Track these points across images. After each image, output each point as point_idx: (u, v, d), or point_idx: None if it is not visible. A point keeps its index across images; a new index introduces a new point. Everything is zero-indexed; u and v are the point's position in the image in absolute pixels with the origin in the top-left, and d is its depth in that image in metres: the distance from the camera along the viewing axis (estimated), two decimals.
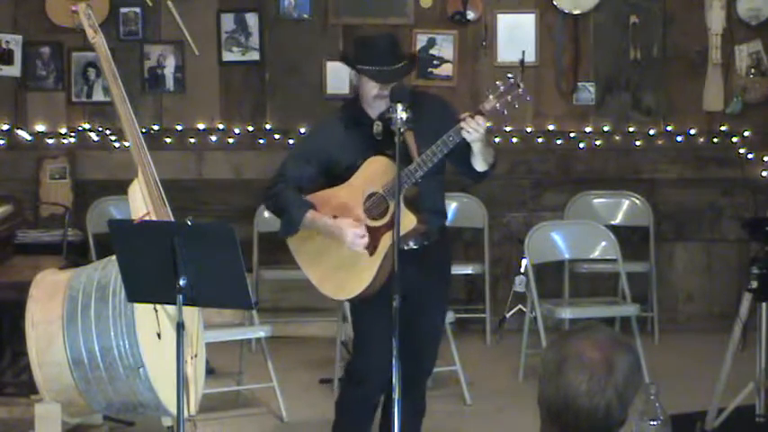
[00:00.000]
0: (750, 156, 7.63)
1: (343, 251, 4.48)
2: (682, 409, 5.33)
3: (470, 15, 7.54)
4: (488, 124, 4.48)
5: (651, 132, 7.65)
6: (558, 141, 7.64)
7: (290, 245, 4.61)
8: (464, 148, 4.45)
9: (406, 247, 4.44)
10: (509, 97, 4.44)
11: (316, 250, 4.54)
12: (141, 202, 4.74)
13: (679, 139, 7.65)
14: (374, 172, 4.48)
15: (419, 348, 4.52)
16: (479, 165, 4.54)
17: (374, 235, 4.47)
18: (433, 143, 4.38)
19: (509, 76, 4.48)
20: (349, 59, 4.57)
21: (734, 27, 7.55)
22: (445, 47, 7.57)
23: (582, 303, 7.06)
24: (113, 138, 7.49)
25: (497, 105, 4.44)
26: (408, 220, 4.40)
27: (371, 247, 4.47)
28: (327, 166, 4.55)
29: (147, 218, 4.63)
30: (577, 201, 7.55)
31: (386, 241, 4.46)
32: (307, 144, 4.74)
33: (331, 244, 4.49)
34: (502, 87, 4.44)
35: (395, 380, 4.04)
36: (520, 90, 4.45)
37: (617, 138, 7.66)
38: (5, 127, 7.53)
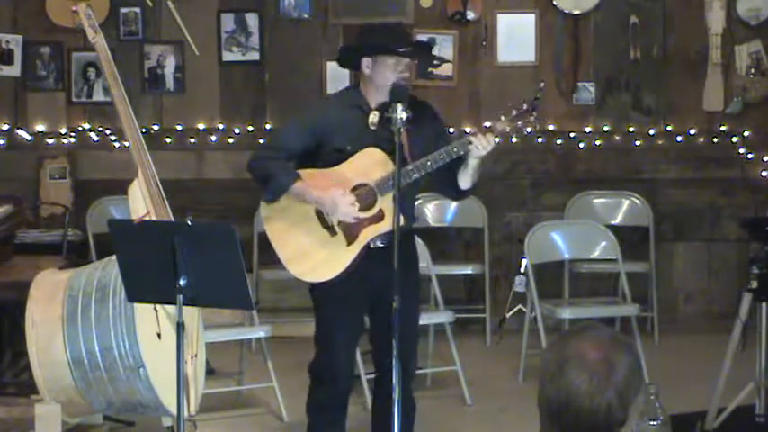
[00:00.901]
0: (750, 156, 7.63)
1: (319, 234, 4.47)
2: (682, 409, 5.33)
3: (470, 15, 7.54)
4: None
5: (651, 132, 7.65)
6: (558, 141, 7.64)
7: (264, 215, 4.57)
8: (452, 164, 4.49)
9: (372, 246, 4.48)
10: (519, 123, 4.49)
11: (289, 226, 4.50)
12: (141, 202, 4.74)
13: (679, 139, 7.65)
14: (367, 163, 4.48)
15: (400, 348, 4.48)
16: (466, 182, 4.55)
17: (356, 226, 4.47)
18: (423, 146, 4.38)
19: (524, 102, 4.51)
20: (371, 46, 4.52)
21: (734, 27, 7.55)
22: (445, 47, 7.57)
23: (582, 303, 7.06)
24: (113, 138, 7.49)
25: (507, 129, 4.49)
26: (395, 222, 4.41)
27: (351, 236, 4.47)
28: (320, 141, 4.51)
29: (147, 218, 4.63)
30: (577, 201, 7.55)
31: (366, 234, 4.47)
32: (303, 117, 4.66)
33: (308, 224, 4.48)
34: (515, 112, 4.48)
35: (395, 380, 4.04)
36: (532, 118, 4.49)
37: (617, 138, 7.66)
38: (5, 127, 7.53)
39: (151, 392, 4.68)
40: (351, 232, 4.46)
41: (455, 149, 4.42)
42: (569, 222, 7.20)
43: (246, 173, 4.71)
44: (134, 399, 4.75)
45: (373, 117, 4.49)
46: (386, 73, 4.48)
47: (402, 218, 4.43)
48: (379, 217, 4.47)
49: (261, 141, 7.49)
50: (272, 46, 7.59)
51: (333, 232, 4.48)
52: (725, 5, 7.50)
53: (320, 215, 4.50)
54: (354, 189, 4.48)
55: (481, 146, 4.38)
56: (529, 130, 4.54)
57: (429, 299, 6.52)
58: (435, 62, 7.54)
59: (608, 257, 6.72)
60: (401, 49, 4.47)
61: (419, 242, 6.25)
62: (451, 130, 4.68)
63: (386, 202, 4.47)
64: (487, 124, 4.64)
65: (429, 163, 4.42)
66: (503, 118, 4.48)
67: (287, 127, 4.71)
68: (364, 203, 4.48)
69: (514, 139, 7.59)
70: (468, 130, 4.52)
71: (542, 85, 4.98)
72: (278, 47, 7.58)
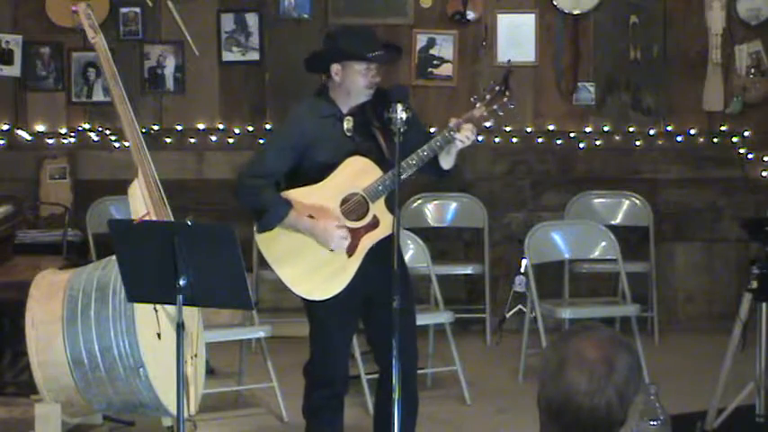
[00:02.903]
0: (750, 156, 7.63)
1: (319, 252, 4.47)
2: (682, 409, 5.33)
3: (470, 15, 7.54)
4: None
5: (651, 132, 7.65)
6: (558, 141, 7.64)
7: (260, 243, 4.54)
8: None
9: None
10: (495, 106, 4.53)
11: (288, 249, 4.49)
12: (141, 203, 4.75)
13: (679, 139, 7.65)
14: (353, 173, 4.48)
15: (400, 345, 4.46)
16: (448, 164, 4.57)
17: (353, 236, 4.47)
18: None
19: (495, 83, 4.55)
20: (341, 54, 4.48)
21: (734, 27, 7.55)
22: (445, 47, 7.57)
23: (582, 303, 7.06)
24: (113, 138, 7.49)
25: (485, 113, 4.53)
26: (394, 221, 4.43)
27: (351, 248, 4.47)
28: (302, 157, 4.48)
29: (147, 218, 4.63)
30: (577, 201, 7.55)
31: (364, 243, 4.48)
32: (284, 135, 4.60)
33: (306, 244, 4.47)
34: (488, 96, 4.53)
35: (395, 380, 4.04)
36: (506, 99, 4.52)
37: (617, 138, 7.66)
38: (5, 127, 7.53)
39: (151, 392, 4.68)
40: (350, 244, 4.47)
41: (438, 143, 4.45)
42: (569, 222, 7.19)
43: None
44: (134, 399, 4.75)
45: (348, 123, 4.50)
46: (356, 78, 4.47)
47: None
48: (375, 224, 4.49)
49: (261, 141, 7.49)
50: (272, 46, 7.59)
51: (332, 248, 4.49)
52: (725, 5, 7.50)
53: None
54: (344, 201, 4.48)
55: (466, 138, 4.43)
56: (503, 112, 4.58)
57: (429, 299, 6.53)
58: (435, 62, 7.54)
59: (608, 257, 6.71)
60: (370, 55, 4.44)
61: (419, 242, 6.28)
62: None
63: (378, 208, 4.49)
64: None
65: (415, 161, 4.43)
66: (478, 105, 4.52)
67: (269, 149, 4.63)
68: (357, 213, 4.48)
69: (514, 140, 7.61)
70: (451, 123, 4.50)
71: (508, 60, 5.03)
72: (278, 47, 7.58)
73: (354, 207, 4.48)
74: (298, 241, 4.48)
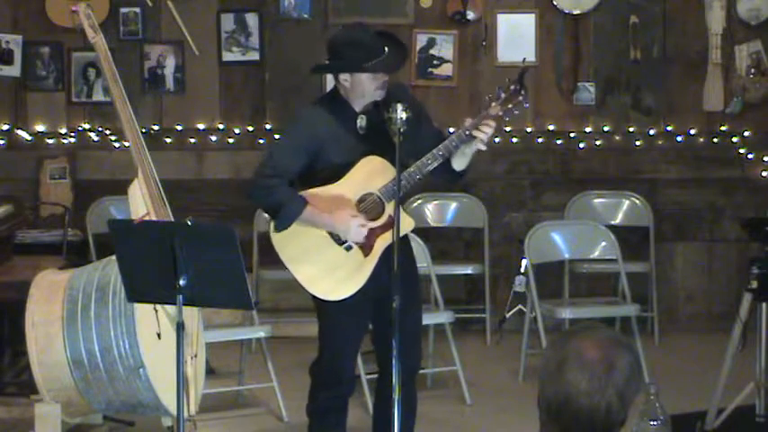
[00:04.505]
0: (750, 156, 7.63)
1: (335, 252, 4.46)
2: (682, 409, 5.33)
3: (470, 15, 7.54)
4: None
5: (651, 132, 7.65)
6: (558, 141, 7.64)
7: (275, 243, 4.51)
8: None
9: None
10: (510, 105, 4.47)
11: (304, 249, 4.47)
12: (141, 202, 4.75)
13: (679, 139, 7.65)
14: (368, 173, 4.46)
15: (403, 347, 4.45)
16: (461, 164, 4.52)
17: (369, 236, 4.46)
18: (411, 139, 4.34)
19: (510, 83, 4.48)
20: (348, 65, 4.47)
21: (734, 27, 7.56)
22: (445, 47, 7.57)
23: (582, 303, 7.05)
24: (113, 138, 7.49)
25: (500, 112, 4.46)
26: (407, 223, 4.42)
27: (367, 248, 4.46)
28: (314, 157, 4.46)
29: (147, 218, 4.64)
30: (577, 201, 7.55)
31: (380, 243, 4.46)
32: (296, 134, 4.57)
33: (322, 244, 4.45)
34: (503, 94, 4.46)
35: (395, 380, 4.04)
36: (521, 97, 4.47)
37: (617, 138, 7.66)
38: (5, 127, 7.53)
39: (151, 392, 4.68)
40: (366, 244, 4.45)
41: (453, 143, 4.41)
42: (569, 222, 7.20)
43: (246, 172, 4.68)
44: (134, 399, 4.75)
45: (361, 121, 4.49)
46: (367, 84, 4.44)
47: (411, 220, 4.44)
48: (390, 224, 4.47)
49: (261, 141, 7.50)
50: (272, 46, 7.59)
51: (348, 247, 4.46)
52: (725, 5, 7.50)
53: (332, 233, 4.48)
54: (360, 201, 4.47)
55: (484, 135, 4.37)
56: (518, 111, 4.52)
57: (429, 299, 6.53)
58: (435, 62, 7.54)
59: (608, 257, 6.71)
60: (368, 64, 4.42)
61: (419, 242, 6.28)
62: (451, 129, 4.62)
63: (394, 208, 4.47)
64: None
65: (429, 161, 4.40)
66: (494, 104, 4.45)
67: (281, 148, 4.61)
68: (373, 213, 4.47)
69: (514, 140, 7.61)
70: (466, 122, 4.46)
71: (524, 60, 4.98)
72: (278, 47, 7.58)
73: (370, 207, 4.47)
74: (313, 241, 4.46)
